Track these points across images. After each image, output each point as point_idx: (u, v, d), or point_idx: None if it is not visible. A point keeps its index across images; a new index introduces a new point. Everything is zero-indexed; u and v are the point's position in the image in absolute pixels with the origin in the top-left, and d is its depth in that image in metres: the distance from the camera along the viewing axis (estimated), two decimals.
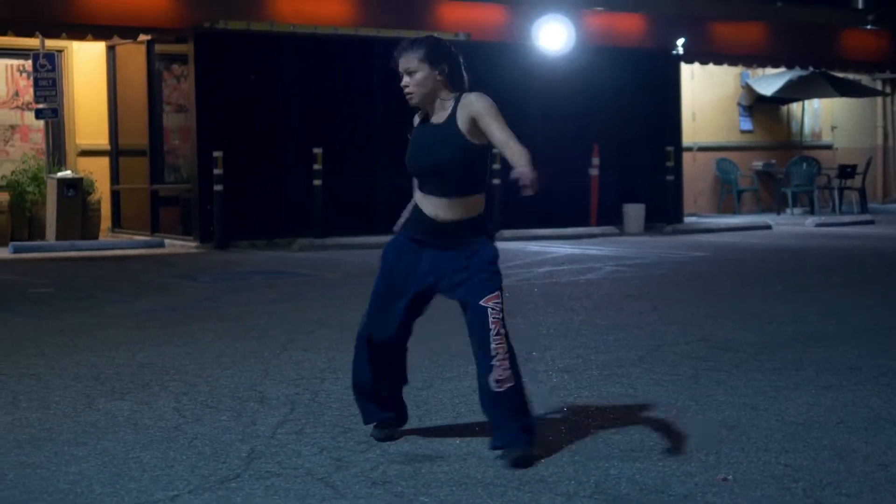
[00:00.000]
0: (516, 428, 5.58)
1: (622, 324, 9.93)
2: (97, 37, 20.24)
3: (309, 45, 19.66)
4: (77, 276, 14.63)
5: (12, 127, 20.40)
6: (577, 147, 21.35)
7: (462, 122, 5.62)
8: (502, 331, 5.58)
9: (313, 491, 5.09)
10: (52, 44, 19.46)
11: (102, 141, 20.74)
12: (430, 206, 5.73)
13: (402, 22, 21.56)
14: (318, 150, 18.79)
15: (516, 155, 5.42)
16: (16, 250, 17.85)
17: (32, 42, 19.17)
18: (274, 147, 19.19)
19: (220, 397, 7.07)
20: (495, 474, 5.30)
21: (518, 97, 20.27)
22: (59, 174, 18.75)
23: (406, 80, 5.71)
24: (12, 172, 19.55)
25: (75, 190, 18.71)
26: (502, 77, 20.05)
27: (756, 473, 5.31)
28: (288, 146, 19.18)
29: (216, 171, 18.11)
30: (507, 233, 18.87)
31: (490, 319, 5.56)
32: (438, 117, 5.73)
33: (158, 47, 20.12)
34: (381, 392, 5.97)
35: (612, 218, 21.54)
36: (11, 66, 20.26)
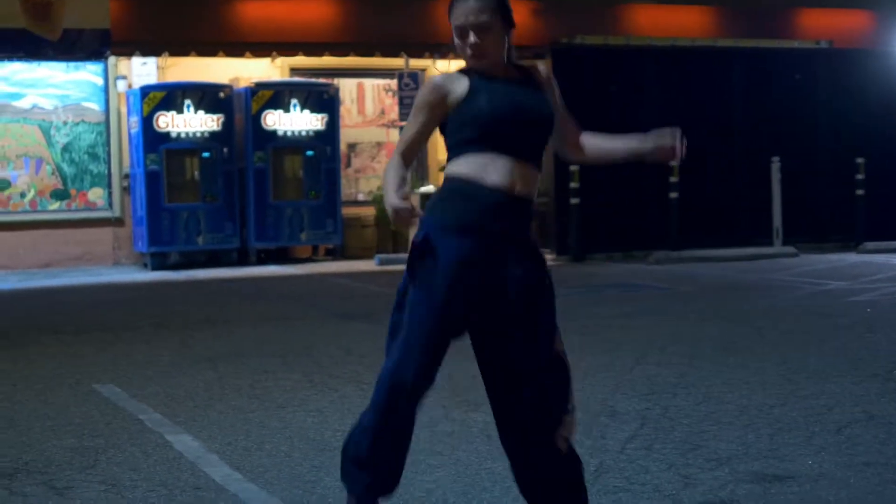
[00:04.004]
0: None
1: None
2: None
3: (668, 58, 19.65)
4: None
5: (378, 144, 21.29)
6: None
7: (551, 94, 4.64)
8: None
9: None
10: (415, 63, 20.16)
11: None
12: (505, 172, 4.36)
13: (761, 31, 21.32)
14: (672, 163, 18.71)
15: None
16: (381, 262, 18.59)
17: (397, 62, 19.93)
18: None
19: None
20: (848, 497, 5.17)
21: (886, 104, 19.67)
22: (422, 189, 19.37)
23: (473, 38, 4.39)
24: (378, 188, 20.35)
25: None
26: (868, 84, 19.52)
27: None
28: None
29: (572, 185, 18.33)
30: (870, 245, 18.24)
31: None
32: (509, 76, 4.55)
33: None
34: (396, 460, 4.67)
35: None
36: (378, 85, 21.14)
